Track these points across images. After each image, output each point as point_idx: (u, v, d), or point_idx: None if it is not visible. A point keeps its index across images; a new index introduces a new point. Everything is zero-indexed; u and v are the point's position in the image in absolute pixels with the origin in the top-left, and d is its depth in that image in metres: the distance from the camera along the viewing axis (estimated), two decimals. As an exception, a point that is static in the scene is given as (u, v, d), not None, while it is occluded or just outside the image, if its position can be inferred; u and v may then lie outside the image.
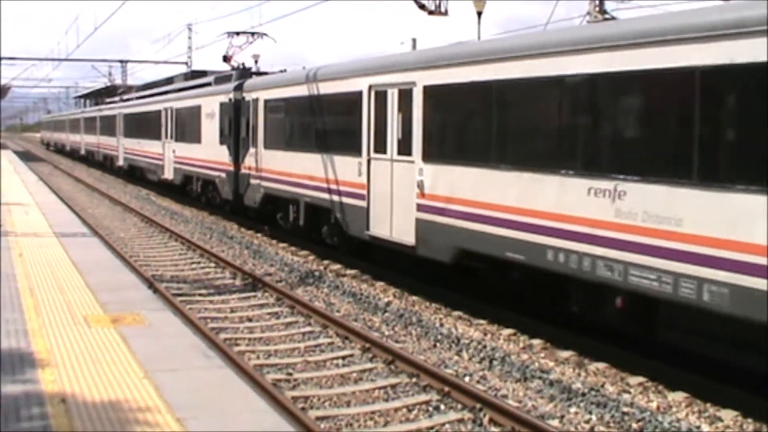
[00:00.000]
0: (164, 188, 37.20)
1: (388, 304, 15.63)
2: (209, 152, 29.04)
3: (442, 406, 10.31)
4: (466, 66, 14.44)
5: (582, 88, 12.03)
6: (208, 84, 31.30)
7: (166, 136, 35.33)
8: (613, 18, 25.75)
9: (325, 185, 19.68)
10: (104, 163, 54.36)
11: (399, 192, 16.37)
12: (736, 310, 9.55)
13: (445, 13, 24.49)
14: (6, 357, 8.63)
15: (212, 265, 20.15)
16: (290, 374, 11.53)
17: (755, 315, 9.30)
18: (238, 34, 33.69)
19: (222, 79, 30.34)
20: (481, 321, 14.28)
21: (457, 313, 14.88)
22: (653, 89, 10.96)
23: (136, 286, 13.26)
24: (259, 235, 24.64)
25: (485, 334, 13.52)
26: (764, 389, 10.08)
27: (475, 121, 14.66)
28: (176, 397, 7.45)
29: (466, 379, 11.32)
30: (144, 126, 39.75)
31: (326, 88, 19.99)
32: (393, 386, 11.04)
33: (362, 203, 17.76)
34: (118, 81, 70.02)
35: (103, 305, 11.16)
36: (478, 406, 10.02)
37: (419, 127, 15.62)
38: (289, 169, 21.99)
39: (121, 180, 46.62)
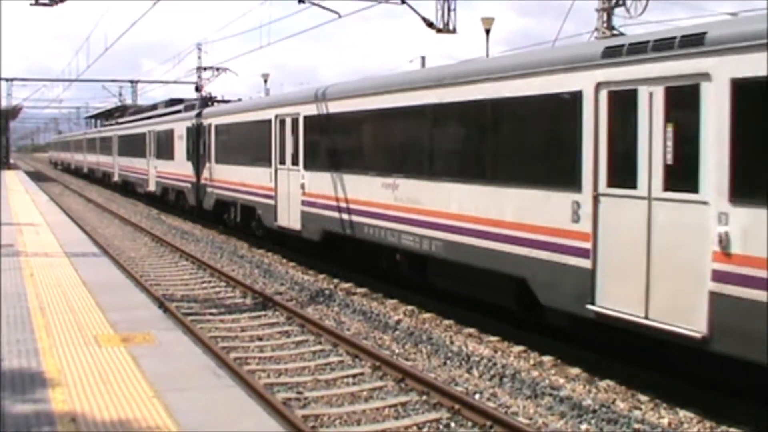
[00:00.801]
0: (168, 206, 38.86)
1: (398, 322, 15.62)
2: (179, 167, 35.15)
3: (453, 424, 10.29)
4: (321, 102, 20.49)
5: (376, 119, 18.20)
6: (179, 111, 37.53)
7: (150, 155, 41.47)
8: (621, 34, 25.78)
9: (251, 190, 25.74)
10: (102, 179, 61.37)
11: (293, 192, 22.12)
12: (448, 255, 15.24)
13: (454, 31, 24.58)
14: (17, 376, 8.64)
15: (223, 284, 20.17)
16: (300, 393, 11.52)
17: (459, 258, 14.92)
18: (206, 69, 44.60)
19: (189, 107, 36.42)
20: (492, 338, 14.26)
21: (467, 330, 14.86)
22: (410, 120, 16.79)
23: (147, 306, 13.26)
24: (269, 254, 24.69)
25: (495, 351, 13.49)
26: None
27: (327, 140, 20.46)
28: (186, 416, 7.44)
29: (477, 396, 11.30)
30: (133, 146, 46.02)
31: (250, 117, 26.27)
32: (403, 404, 11.02)
33: (272, 202, 23.66)
34: (128, 101, 70.28)
35: (114, 324, 11.16)
36: (489, 423, 9.99)
37: (302, 144, 21.59)
38: (230, 178, 28.29)
39: (125, 197, 47.22)
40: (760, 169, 9.38)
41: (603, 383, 11.70)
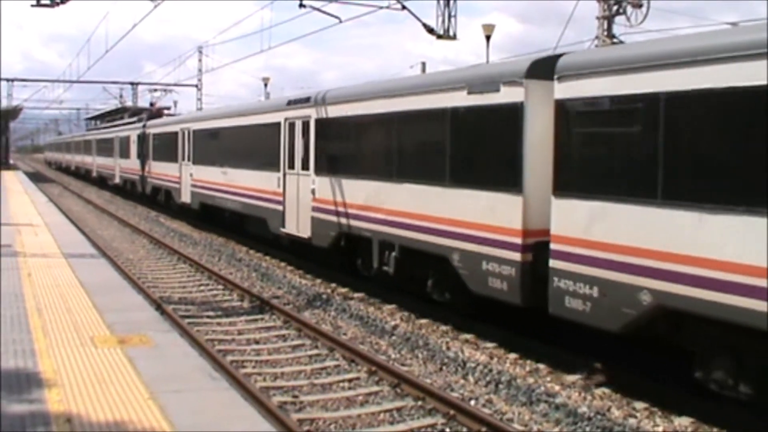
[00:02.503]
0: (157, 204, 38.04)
1: (395, 327, 15.63)
2: (133, 164, 46.12)
3: (448, 430, 10.32)
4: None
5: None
6: (134, 121, 48.77)
7: (116, 155, 52.60)
8: (621, 42, 25.85)
9: (168, 177, 36.53)
10: (85, 175, 73.03)
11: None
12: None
13: (454, 37, 24.61)
14: (13, 377, 8.65)
15: (220, 287, 20.18)
16: (296, 397, 11.54)
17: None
18: (156, 90, 61.76)
19: (141, 118, 47.23)
20: (488, 344, 14.27)
21: (464, 336, 14.86)
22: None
23: (144, 308, 13.28)
24: (267, 257, 24.70)
25: (491, 358, 13.50)
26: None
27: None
28: (181, 418, 7.45)
29: (472, 402, 11.31)
30: (105, 148, 57.78)
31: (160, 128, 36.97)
32: (399, 409, 11.04)
33: (177, 185, 31.90)
34: (129, 103, 70.34)
35: (110, 326, 11.18)
36: (484, 429, 10.01)
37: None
38: (161, 171, 38.47)
39: (125, 199, 47.63)
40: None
41: (599, 391, 11.71)
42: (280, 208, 22.76)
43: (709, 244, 9.73)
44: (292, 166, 22.16)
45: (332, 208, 19.62)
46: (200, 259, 24.19)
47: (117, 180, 52.41)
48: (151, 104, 54.50)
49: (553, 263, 12.14)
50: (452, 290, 15.37)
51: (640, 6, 26.11)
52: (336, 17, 24.11)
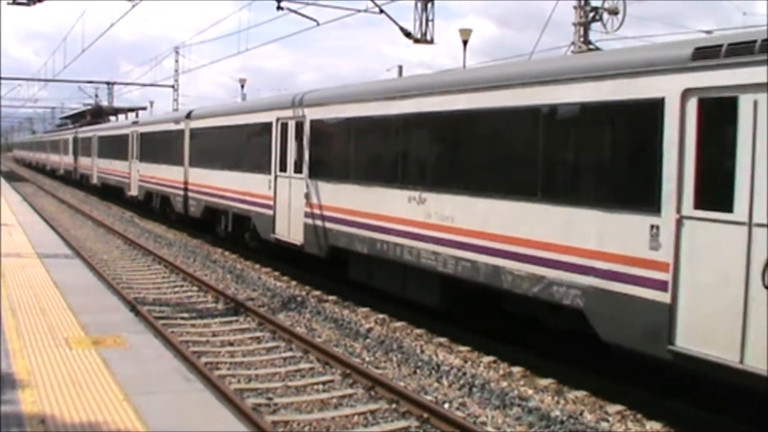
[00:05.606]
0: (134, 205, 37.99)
1: (369, 330, 15.67)
2: (71, 159, 62.33)
3: (421, 433, 10.35)
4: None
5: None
6: (68, 126, 70.18)
7: (61, 152, 69.05)
8: (597, 48, 26.03)
9: (111, 171, 44.38)
10: (43, 169, 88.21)
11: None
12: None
13: (431, 42, 24.68)
14: (-14, 377, 8.62)
15: (195, 288, 20.14)
16: (270, 399, 11.54)
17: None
18: (84, 115, 71.25)
19: (81, 123, 65.70)
20: (462, 348, 14.33)
21: (438, 339, 14.92)
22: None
23: (118, 309, 13.25)
24: (242, 259, 24.66)
25: (465, 361, 13.56)
26: (741, 416, 10.18)
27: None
28: (156, 420, 7.46)
29: (446, 405, 11.36)
30: (56, 147, 74.19)
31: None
32: (373, 412, 11.07)
33: (127, 180, 39.17)
34: (105, 102, 70.01)
35: (85, 327, 11.15)
36: (457, 432, 10.06)
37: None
38: (104, 166, 46.91)
39: (101, 200, 47.15)
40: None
41: (572, 395, 11.80)
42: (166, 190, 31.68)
43: None
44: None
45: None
46: (175, 260, 24.12)
47: (61, 171, 69.71)
48: (93, 111, 67.46)
49: None
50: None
51: (616, 13, 26.28)
52: (314, 20, 24.11)
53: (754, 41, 9.18)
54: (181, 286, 20.60)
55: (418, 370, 13.22)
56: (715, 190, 9.52)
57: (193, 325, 16.14)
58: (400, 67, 37.52)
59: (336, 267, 19.21)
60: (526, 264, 12.36)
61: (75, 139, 59.59)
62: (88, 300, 13.26)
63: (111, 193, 46.33)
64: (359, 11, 24.07)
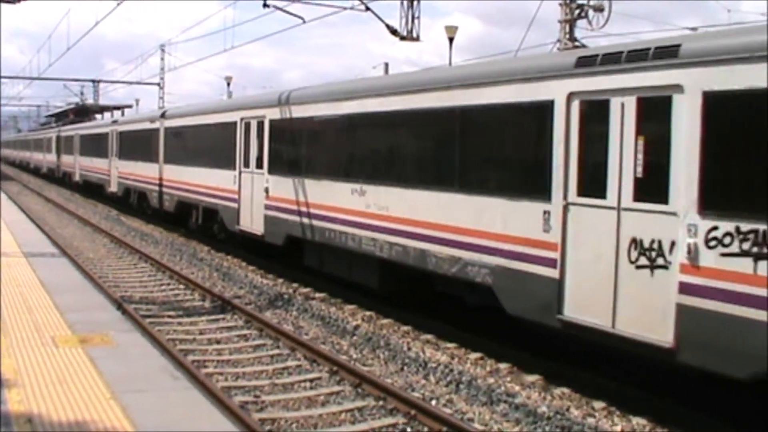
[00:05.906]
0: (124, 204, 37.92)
1: (356, 327, 15.68)
2: (54, 157, 63.59)
3: (409, 429, 10.36)
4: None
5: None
6: (52, 125, 70.73)
7: (44, 150, 70.72)
8: (583, 45, 26.09)
9: (92, 169, 45.85)
10: (25, 167, 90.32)
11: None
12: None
13: (417, 39, 24.71)
14: (-28, 377, 8.61)
15: (182, 286, 20.12)
16: (258, 396, 11.54)
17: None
18: (67, 114, 74.84)
19: (64, 122, 68.14)
20: (449, 345, 14.37)
21: (425, 336, 14.96)
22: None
23: (105, 307, 13.25)
24: (229, 257, 24.66)
25: (452, 358, 13.59)
26: (727, 413, 10.25)
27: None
28: (143, 418, 7.47)
29: (433, 402, 11.38)
30: (43, 145, 73.22)
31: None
32: (360, 409, 11.08)
33: (107, 177, 40.02)
34: (90, 101, 69.80)
35: (71, 326, 11.15)
36: (445, 429, 10.08)
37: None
38: (86, 164, 48.31)
39: (80, 194, 47.80)
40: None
41: (558, 391, 11.84)
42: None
43: None
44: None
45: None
46: (161, 259, 24.08)
47: (44, 169, 70.81)
48: (75, 112, 70.27)
49: None
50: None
51: (602, 10, 26.37)
52: (300, 17, 24.12)
53: (621, 52, 10.62)
54: (168, 284, 20.57)
55: (405, 367, 13.25)
56: (592, 179, 11.00)
57: (180, 323, 16.12)
58: (386, 65, 37.49)
59: (293, 256, 20.83)
60: (446, 247, 13.96)
61: (58, 138, 61.41)
62: (75, 299, 13.25)
63: (92, 190, 47.36)
64: (345, 8, 24.10)
